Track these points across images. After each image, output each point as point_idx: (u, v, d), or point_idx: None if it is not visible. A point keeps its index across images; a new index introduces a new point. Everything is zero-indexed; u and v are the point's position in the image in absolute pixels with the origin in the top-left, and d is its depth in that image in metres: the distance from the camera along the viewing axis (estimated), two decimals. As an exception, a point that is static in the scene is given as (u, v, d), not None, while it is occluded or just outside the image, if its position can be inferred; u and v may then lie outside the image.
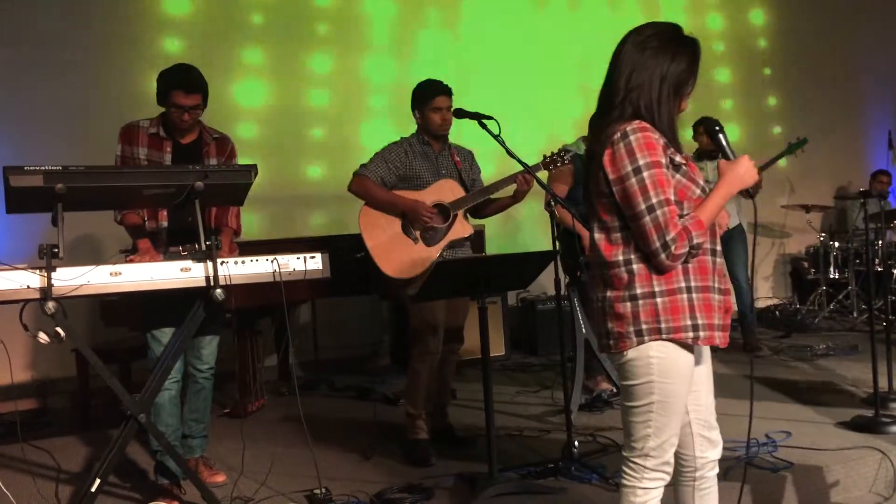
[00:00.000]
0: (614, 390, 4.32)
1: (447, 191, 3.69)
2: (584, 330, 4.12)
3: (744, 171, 2.05)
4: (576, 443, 3.34)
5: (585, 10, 7.35)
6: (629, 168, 1.95)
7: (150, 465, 3.42)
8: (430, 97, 3.69)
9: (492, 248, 6.20)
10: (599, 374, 4.50)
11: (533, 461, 3.39)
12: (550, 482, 3.17)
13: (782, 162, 8.14)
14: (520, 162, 3.33)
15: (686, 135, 5.55)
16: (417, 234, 3.63)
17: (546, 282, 4.16)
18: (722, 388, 3.94)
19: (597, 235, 2.08)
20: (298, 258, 2.96)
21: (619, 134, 1.98)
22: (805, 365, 5.27)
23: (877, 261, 6.62)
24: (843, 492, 3.22)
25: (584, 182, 2.14)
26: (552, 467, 3.25)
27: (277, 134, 6.12)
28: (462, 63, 6.52)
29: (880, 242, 6.69)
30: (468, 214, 3.81)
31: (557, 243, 3.44)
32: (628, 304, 2.00)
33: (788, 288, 8.14)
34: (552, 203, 3.46)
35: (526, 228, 6.74)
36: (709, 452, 2.17)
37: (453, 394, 4.32)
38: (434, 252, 3.61)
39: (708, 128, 2.24)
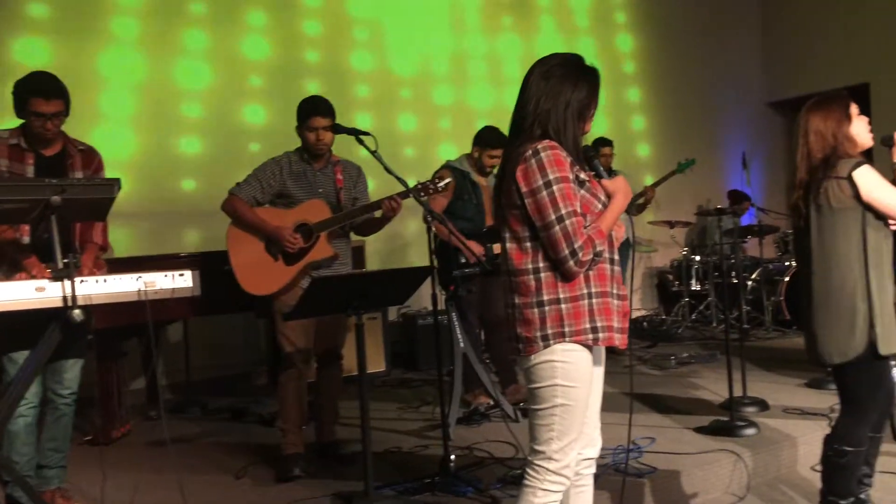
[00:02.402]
0: (491, 403, 4.40)
1: (314, 211, 3.67)
2: (461, 344, 4.18)
3: (627, 192, 2.28)
4: (452, 457, 3.37)
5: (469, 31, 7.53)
6: (540, 182, 2.12)
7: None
8: (306, 117, 3.68)
9: (373, 263, 6.21)
10: (477, 388, 4.57)
11: (410, 477, 3.39)
12: (427, 497, 3.19)
13: (649, 180, 8.61)
14: (398, 179, 3.35)
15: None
16: (279, 252, 3.64)
17: (428, 297, 4.19)
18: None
19: (508, 245, 2.25)
20: (166, 276, 2.85)
21: (530, 151, 2.15)
22: (668, 373, 5.55)
23: (733, 273, 7.09)
24: (702, 494, 3.40)
25: (496, 196, 2.31)
26: (429, 482, 3.27)
27: (149, 147, 5.88)
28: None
29: (737, 256, 7.16)
30: (352, 230, 3.83)
31: (434, 258, 3.48)
32: (536, 310, 2.16)
33: (655, 299, 8.57)
34: (428, 218, 3.49)
35: (408, 244, 6.78)
36: (587, 450, 2.31)
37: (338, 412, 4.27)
38: (293, 271, 3.62)
39: (585, 153, 2.37)
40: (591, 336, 2.15)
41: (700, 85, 9.07)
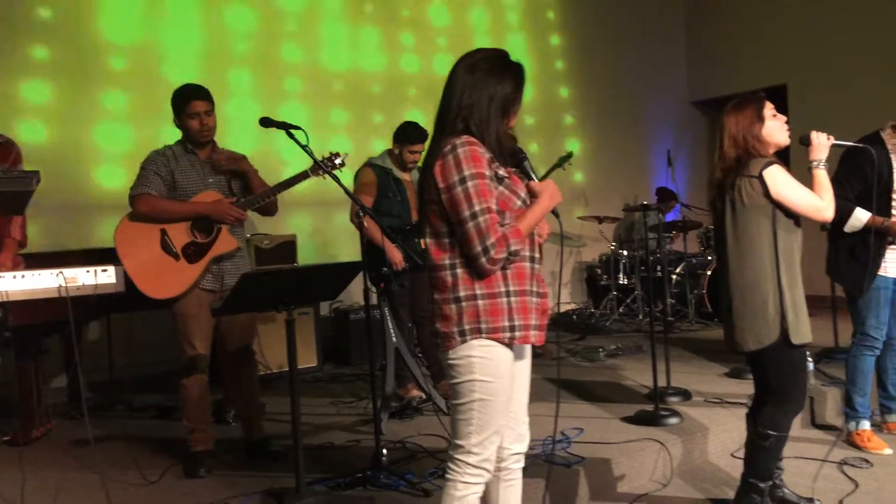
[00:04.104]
0: (423, 397, 4.42)
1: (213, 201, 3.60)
2: (394, 339, 4.19)
3: (554, 191, 2.27)
4: (384, 451, 3.38)
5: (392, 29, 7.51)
6: (456, 178, 2.11)
7: None
8: (184, 102, 3.58)
9: (305, 258, 6.15)
10: (410, 382, 4.58)
11: (342, 472, 3.38)
12: (359, 492, 3.19)
13: (578, 177, 8.78)
14: (333, 177, 3.31)
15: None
16: (178, 250, 3.52)
17: (359, 292, 4.19)
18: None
19: (428, 241, 2.24)
20: (88, 271, 2.78)
21: (449, 147, 2.14)
22: (596, 365, 5.68)
23: (658, 268, 7.29)
24: (629, 481, 3.50)
25: (419, 192, 2.31)
26: (360, 477, 3.27)
27: (62, 136, 5.67)
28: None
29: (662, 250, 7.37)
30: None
31: (365, 254, 3.47)
32: (453, 305, 2.17)
33: (584, 293, 8.75)
34: (360, 214, 3.48)
35: (338, 238, 6.73)
36: (515, 445, 2.33)
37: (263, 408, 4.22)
38: (197, 269, 3.52)
39: (514, 157, 2.39)
40: (507, 334, 2.15)
41: (627, 84, 9.29)
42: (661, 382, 4.38)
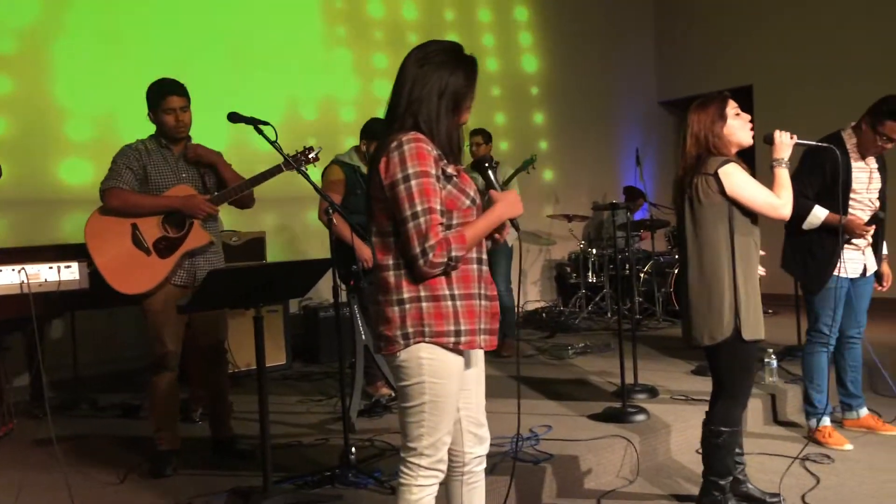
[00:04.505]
0: (393, 395, 4.42)
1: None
2: (363, 336, 4.18)
3: (513, 202, 2.18)
4: (353, 449, 3.37)
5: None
6: (399, 175, 2.03)
7: None
8: (161, 98, 3.54)
9: (273, 255, 6.11)
10: (379, 380, 4.58)
11: (310, 471, 3.37)
12: (327, 490, 3.17)
13: (548, 175, 8.83)
14: (301, 173, 3.27)
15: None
16: (150, 245, 3.48)
17: (329, 289, 4.17)
18: (490, 387, 4.19)
19: (374, 240, 2.17)
20: (51, 267, 2.73)
21: (395, 143, 2.06)
22: (565, 363, 5.72)
23: (626, 266, 7.36)
24: (595, 478, 3.54)
25: (366, 189, 2.20)
26: (328, 475, 3.25)
27: (23, 129, 5.56)
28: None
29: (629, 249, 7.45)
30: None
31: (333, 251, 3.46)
32: (396, 308, 2.09)
33: (554, 291, 8.80)
34: (329, 211, 3.46)
35: (307, 236, 6.70)
36: (476, 448, 2.29)
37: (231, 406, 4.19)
38: (169, 264, 3.49)
39: (478, 164, 2.36)
40: (452, 339, 2.07)
41: (597, 84, 9.37)
42: (629, 380, 4.43)
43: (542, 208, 8.34)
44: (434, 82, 2.11)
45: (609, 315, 7.68)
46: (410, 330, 2.07)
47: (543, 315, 7.95)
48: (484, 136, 6.11)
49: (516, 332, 6.16)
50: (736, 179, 2.91)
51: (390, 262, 2.11)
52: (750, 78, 8.89)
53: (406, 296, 2.08)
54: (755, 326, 2.94)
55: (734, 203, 2.93)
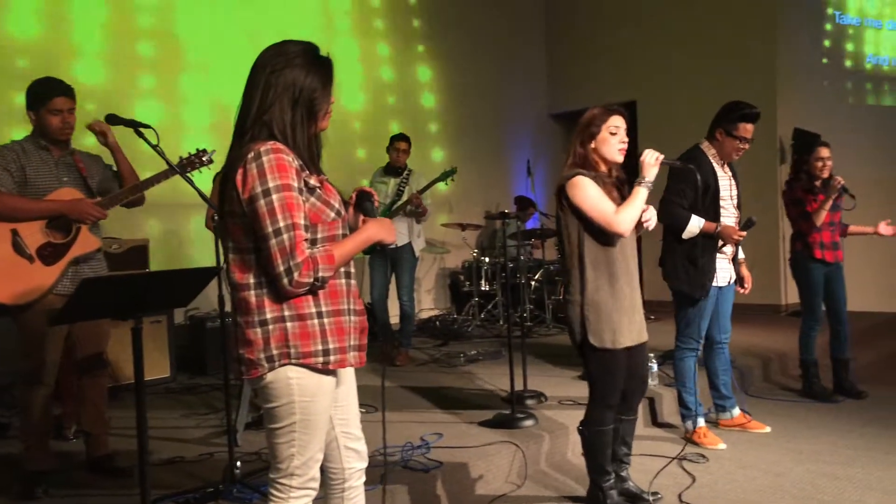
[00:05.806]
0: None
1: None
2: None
3: (387, 229, 2.12)
4: (238, 463, 3.28)
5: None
6: (259, 189, 1.91)
7: None
8: (47, 98, 3.36)
9: (156, 263, 5.86)
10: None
11: (193, 487, 3.25)
12: (211, 507, 3.07)
13: (442, 185, 8.90)
14: (184, 177, 3.16)
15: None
16: (33, 252, 3.28)
17: (215, 298, 4.03)
18: (376, 398, 4.16)
19: (231, 257, 2.02)
20: None
21: (252, 154, 1.93)
22: (457, 370, 5.77)
23: (517, 274, 7.51)
24: (485, 484, 3.57)
25: (219, 203, 2.04)
26: (212, 491, 3.15)
27: None
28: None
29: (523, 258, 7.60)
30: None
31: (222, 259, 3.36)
32: (258, 329, 1.97)
33: (447, 299, 8.87)
34: (216, 218, 3.35)
35: (194, 243, 6.48)
36: (355, 463, 2.23)
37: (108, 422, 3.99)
38: (55, 271, 3.31)
39: (359, 199, 2.25)
40: (321, 359, 1.98)
41: (491, 95, 9.56)
42: (519, 386, 4.51)
43: (436, 217, 8.40)
44: (286, 88, 1.98)
45: (501, 322, 7.79)
46: (275, 352, 1.96)
47: (437, 323, 7.99)
48: (408, 141, 6.12)
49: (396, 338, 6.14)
50: (578, 192, 3.05)
51: (251, 280, 1.98)
52: (633, 94, 9.27)
53: (269, 316, 1.96)
54: (604, 335, 3.06)
55: (579, 214, 3.07)
